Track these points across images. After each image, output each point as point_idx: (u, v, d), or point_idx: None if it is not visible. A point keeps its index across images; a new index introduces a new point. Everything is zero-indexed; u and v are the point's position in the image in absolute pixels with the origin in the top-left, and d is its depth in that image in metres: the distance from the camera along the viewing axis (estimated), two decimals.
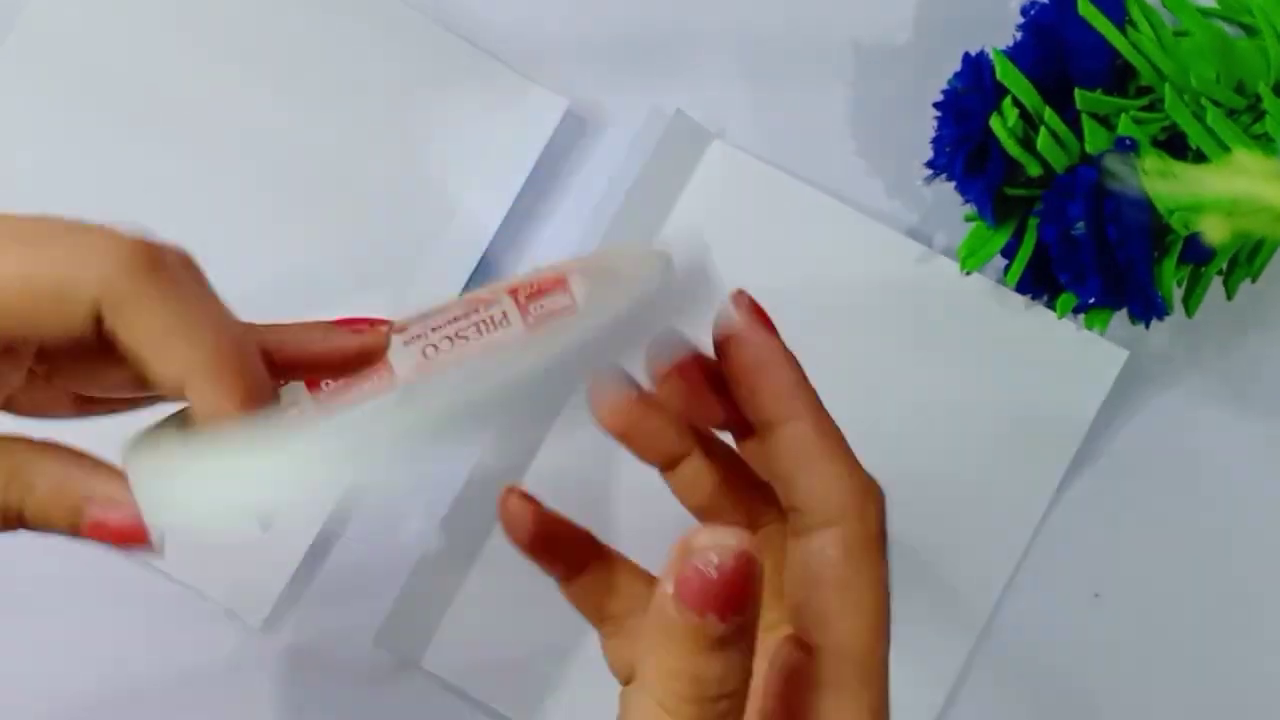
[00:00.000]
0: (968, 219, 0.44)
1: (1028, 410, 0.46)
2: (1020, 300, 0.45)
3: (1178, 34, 0.41)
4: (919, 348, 0.46)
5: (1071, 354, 0.46)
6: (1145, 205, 0.40)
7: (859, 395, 0.45)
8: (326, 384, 0.30)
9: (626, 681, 0.32)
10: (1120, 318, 0.44)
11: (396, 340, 0.30)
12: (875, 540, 0.28)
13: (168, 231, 0.46)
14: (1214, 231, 0.40)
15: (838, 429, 0.29)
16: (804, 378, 0.29)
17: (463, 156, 0.46)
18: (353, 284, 0.46)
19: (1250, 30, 0.42)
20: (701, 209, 0.46)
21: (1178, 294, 0.44)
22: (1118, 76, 0.41)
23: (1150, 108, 0.41)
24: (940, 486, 0.46)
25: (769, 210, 0.47)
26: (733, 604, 0.24)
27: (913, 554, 0.45)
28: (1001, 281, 0.45)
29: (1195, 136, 0.40)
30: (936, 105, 0.43)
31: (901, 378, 0.46)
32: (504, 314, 0.31)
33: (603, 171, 0.47)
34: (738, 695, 0.25)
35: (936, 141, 0.43)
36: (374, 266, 0.46)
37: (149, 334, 0.26)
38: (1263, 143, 0.40)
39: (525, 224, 0.47)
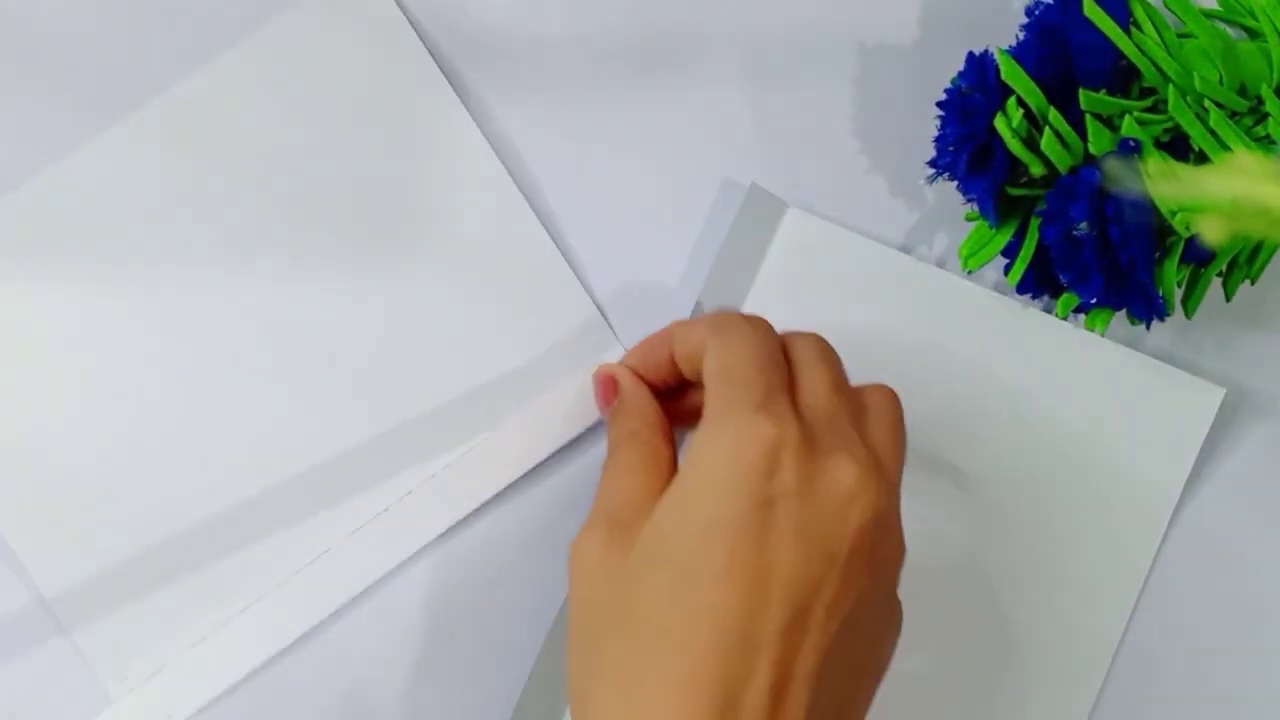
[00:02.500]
0: (969, 218, 0.45)
1: (1125, 459, 0.46)
2: (1118, 350, 0.46)
3: (1181, 36, 0.41)
4: (1015, 404, 0.46)
5: (1165, 395, 0.46)
6: (1147, 206, 0.40)
7: (956, 451, 0.46)
8: None
9: None
10: (1120, 318, 0.44)
11: None
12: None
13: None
14: (1214, 233, 0.40)
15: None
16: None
17: None
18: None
19: (1253, 33, 0.42)
20: (782, 280, 0.46)
21: (1177, 295, 0.44)
22: (1121, 77, 0.41)
23: (1153, 109, 0.41)
24: (1041, 545, 0.46)
25: (849, 274, 0.46)
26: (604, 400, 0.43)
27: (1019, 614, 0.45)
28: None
29: (1198, 138, 0.40)
30: (940, 104, 0.43)
31: (1000, 433, 0.46)
32: None
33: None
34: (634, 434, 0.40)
35: (940, 140, 0.43)
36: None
37: None
38: (1265, 145, 0.41)
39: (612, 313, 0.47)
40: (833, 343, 0.39)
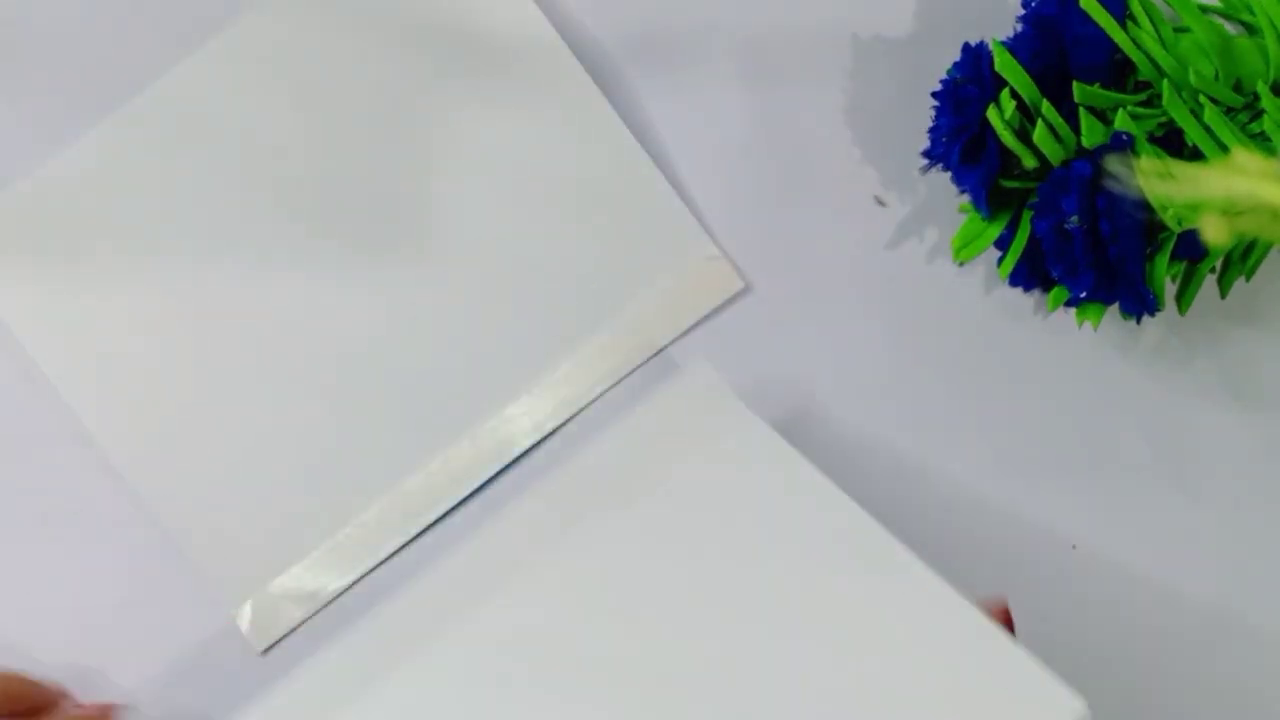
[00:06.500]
0: (962, 210, 0.44)
1: None
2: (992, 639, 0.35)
3: (1178, 30, 0.41)
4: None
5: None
6: (1139, 201, 0.40)
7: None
8: None
9: None
10: (1114, 314, 0.44)
11: None
12: None
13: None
14: (1210, 230, 0.40)
15: None
16: None
17: None
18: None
19: (1251, 29, 0.42)
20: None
21: (1171, 291, 0.44)
22: (1116, 71, 0.41)
23: (1148, 103, 0.41)
24: None
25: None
26: None
27: None
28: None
29: (1192, 133, 0.40)
30: (935, 94, 0.43)
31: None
32: None
33: None
34: None
35: (934, 131, 0.43)
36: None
37: None
38: (1259, 141, 0.40)
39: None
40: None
